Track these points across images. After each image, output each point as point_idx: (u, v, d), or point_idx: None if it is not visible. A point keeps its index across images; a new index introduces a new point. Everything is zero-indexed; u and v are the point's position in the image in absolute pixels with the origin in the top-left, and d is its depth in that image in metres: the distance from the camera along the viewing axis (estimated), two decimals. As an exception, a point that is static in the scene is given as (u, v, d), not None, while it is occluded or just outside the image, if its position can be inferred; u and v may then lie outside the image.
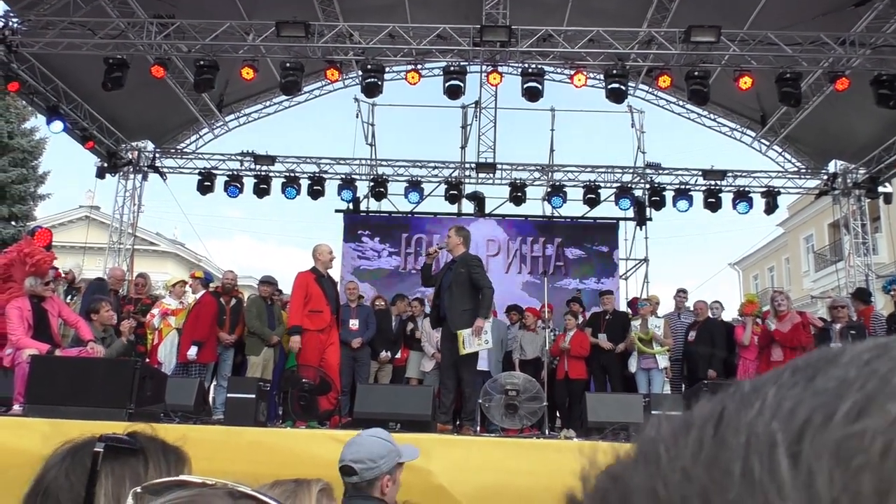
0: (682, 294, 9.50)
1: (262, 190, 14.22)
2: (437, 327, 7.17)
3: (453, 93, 10.78)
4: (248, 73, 10.47)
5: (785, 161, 14.35)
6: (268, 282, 9.10)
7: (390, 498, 2.58)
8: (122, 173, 14.32)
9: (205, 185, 14.19)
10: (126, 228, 14.52)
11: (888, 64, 9.99)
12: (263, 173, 14.30)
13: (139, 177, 14.59)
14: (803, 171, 14.34)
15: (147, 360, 8.14)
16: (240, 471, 3.88)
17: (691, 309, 9.35)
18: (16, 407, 5.18)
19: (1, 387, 5.56)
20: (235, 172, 14.32)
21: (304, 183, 14.31)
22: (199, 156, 14.69)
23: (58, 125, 11.64)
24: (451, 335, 6.54)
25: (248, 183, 14.33)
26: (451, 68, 10.78)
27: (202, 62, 10.21)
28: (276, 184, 14.31)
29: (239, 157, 14.43)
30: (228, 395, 5.61)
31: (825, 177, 14.22)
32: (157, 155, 14.59)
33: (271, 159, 14.28)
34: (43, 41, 10.14)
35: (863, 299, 8.92)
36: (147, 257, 24.59)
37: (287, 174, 14.31)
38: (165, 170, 14.58)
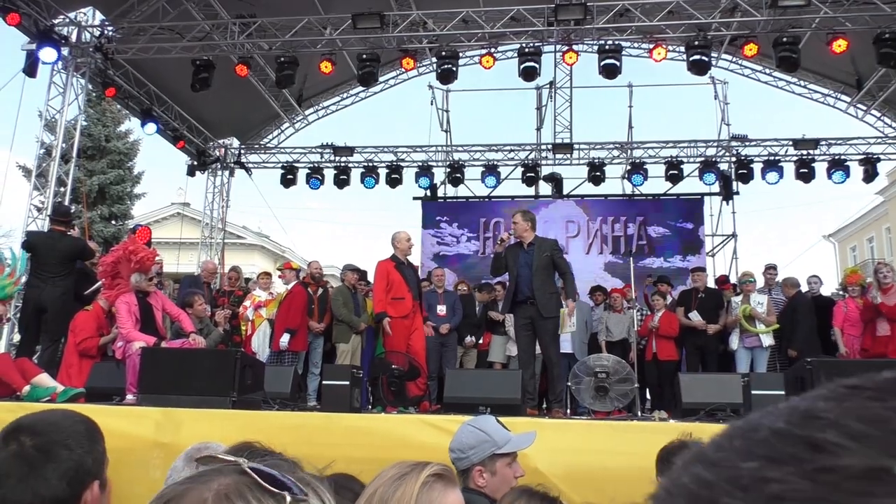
0: (771, 270, 9.12)
1: (342, 181, 14.52)
2: (510, 312, 7.15)
3: (529, 74, 10.69)
4: (326, 66, 10.68)
5: (885, 126, 13.52)
6: (352, 269, 9.30)
7: (491, 489, 2.47)
8: (210, 170, 14.91)
9: (287, 178, 14.60)
10: (216, 223, 15.13)
11: None
12: (343, 164, 14.59)
13: (226, 173, 15.16)
14: (905, 135, 13.48)
15: (242, 349, 8.50)
16: (339, 455, 4.02)
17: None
18: (129, 397, 5.52)
19: (114, 378, 5.93)
20: (316, 165, 14.67)
21: (383, 172, 14.52)
22: (282, 150, 15.13)
23: (151, 127, 12.23)
24: (531, 320, 6.53)
25: (329, 174, 14.67)
26: (526, 50, 10.69)
27: (283, 59, 10.49)
28: (356, 174, 14.59)
29: (319, 150, 14.77)
30: (324, 382, 5.79)
31: (929, 140, 13.33)
32: (243, 151, 15.11)
33: (350, 150, 14.55)
34: (136, 47, 10.65)
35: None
36: (235, 250, 25.57)
37: (366, 164, 14.56)
38: (250, 165, 15.09)
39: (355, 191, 14.70)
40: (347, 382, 5.28)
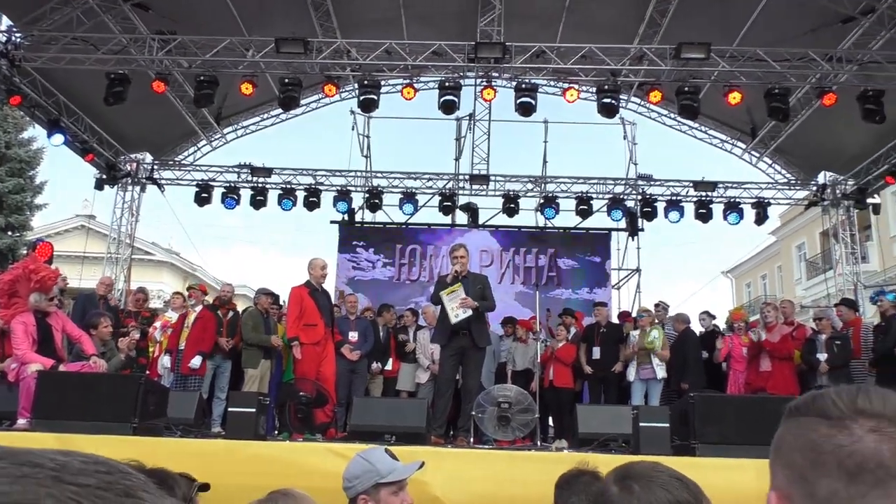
0: (660, 307, 9.63)
1: (258, 201, 14.38)
2: (437, 343, 7.33)
3: (448, 108, 10.96)
4: (247, 88, 10.64)
5: (775, 172, 14.58)
6: (266, 293, 9.23)
7: None
8: (120, 185, 14.46)
9: (202, 196, 14.33)
10: (123, 238, 14.64)
11: (874, 80, 10.21)
12: (260, 185, 14.46)
13: (137, 188, 14.73)
14: (793, 182, 14.57)
15: (148, 372, 8.28)
16: (241, 483, 4.04)
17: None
18: (21, 421, 5.31)
19: (5, 401, 5.69)
20: (232, 184, 14.48)
21: (300, 194, 14.47)
22: (197, 168, 14.85)
23: (58, 138, 11.79)
24: (461, 351, 6.74)
25: (245, 195, 14.50)
26: (446, 84, 10.97)
27: (202, 77, 10.38)
28: (273, 195, 14.48)
29: (236, 170, 14.60)
30: (229, 409, 5.75)
31: (814, 188, 14.45)
32: (156, 167, 14.74)
33: (268, 171, 14.45)
34: (46, 56, 10.29)
35: (851, 307, 9.09)
36: (143, 266, 24.70)
37: (284, 186, 14.48)
38: (163, 181, 14.73)
39: (272, 212, 14.59)
40: (254, 409, 5.28)
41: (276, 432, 7.05)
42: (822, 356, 7.81)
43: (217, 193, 14.44)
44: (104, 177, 13.86)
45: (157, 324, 8.68)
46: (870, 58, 10.26)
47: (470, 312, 6.59)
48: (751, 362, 8.28)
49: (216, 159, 15.15)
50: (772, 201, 14.28)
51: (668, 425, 4.70)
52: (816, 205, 14.69)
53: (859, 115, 10.19)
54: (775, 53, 10.23)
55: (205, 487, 2.43)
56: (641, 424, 4.69)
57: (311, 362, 7.23)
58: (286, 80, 10.55)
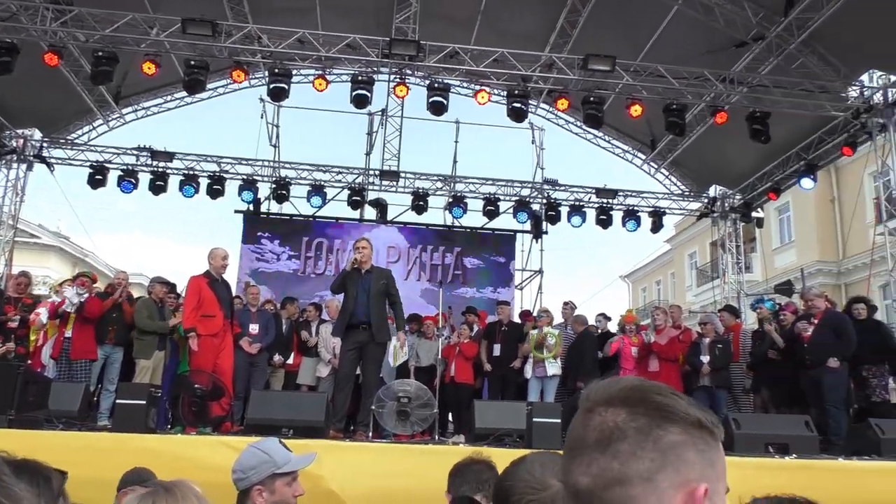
0: (568, 306, 9.99)
1: (158, 187, 13.82)
2: (338, 336, 7.32)
3: (360, 102, 10.90)
4: (149, 68, 10.19)
5: (671, 184, 15.33)
6: (161, 282, 8.89)
7: None
8: (4, 161, 13.55)
9: (96, 178, 13.64)
10: (6, 219, 13.73)
11: (761, 102, 10.93)
12: (161, 170, 13.90)
13: (23, 166, 13.83)
14: (687, 193, 15.37)
15: (30, 361, 7.80)
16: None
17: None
18: None
19: None
20: (130, 167, 13.85)
21: (204, 182, 14.02)
22: (92, 148, 14.11)
23: (-66, 108, 10.91)
24: (360, 345, 6.75)
25: (144, 179, 13.91)
26: (359, 78, 10.90)
27: (101, 53, 9.87)
28: (174, 181, 13.95)
29: (135, 152, 13.96)
30: (117, 401, 5.51)
31: (706, 200, 15.30)
32: (45, 145, 13.89)
33: (169, 156, 13.90)
34: (-78, 19, 9.51)
35: (732, 313, 9.68)
36: (28, 250, 23.22)
37: (186, 172, 13.98)
38: (54, 161, 13.89)
39: (173, 198, 14.05)
40: (144, 401, 5.09)
41: (170, 426, 6.83)
42: (705, 359, 8.29)
43: (113, 176, 13.77)
44: (-14, 152, 12.95)
45: (42, 310, 8.18)
46: (758, 81, 10.98)
47: (405, 350, 6.75)
48: (640, 363, 8.69)
49: (113, 140, 14.39)
50: (667, 211, 15.00)
51: (559, 421, 4.89)
52: (707, 216, 15.56)
53: (748, 135, 10.88)
54: (675, 71, 10.77)
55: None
56: (535, 420, 4.86)
57: (208, 354, 7.05)
58: (192, 63, 10.20)
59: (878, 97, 11.13)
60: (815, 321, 7.77)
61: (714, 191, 15.21)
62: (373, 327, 6.75)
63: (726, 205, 15.04)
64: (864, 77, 11.28)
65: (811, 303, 7.96)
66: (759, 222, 15.15)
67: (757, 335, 8.92)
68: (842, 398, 7.63)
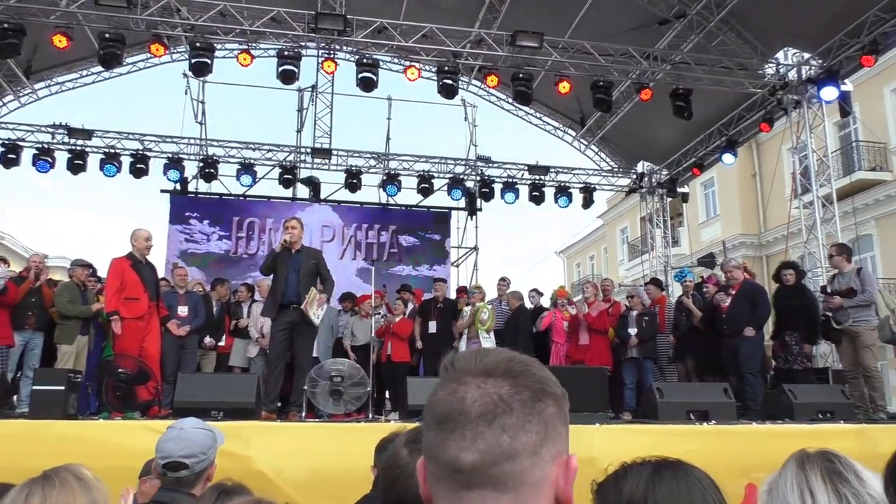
0: (503, 282, 10.12)
1: (76, 166, 13.25)
2: (268, 316, 7.22)
3: (287, 78, 10.66)
4: (60, 40, 9.70)
5: (601, 160, 15.62)
6: (82, 265, 8.56)
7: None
8: None
9: (9, 157, 12.97)
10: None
11: (684, 79, 11.22)
12: (79, 148, 13.32)
13: (-72, 145, 13.03)
14: (616, 169, 15.69)
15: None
16: (47, 465, 3.77)
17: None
18: None
19: None
20: (46, 146, 13.21)
21: (126, 160, 13.51)
22: (3, 125, 13.37)
23: None
24: (290, 325, 6.68)
25: (62, 157, 13.30)
26: (286, 53, 10.66)
27: (6, 25, 9.32)
28: (94, 160, 13.40)
29: (51, 130, 13.32)
30: (34, 387, 5.30)
31: (634, 176, 15.66)
32: (-49, 122, 13.11)
33: (88, 133, 13.32)
34: None
35: (658, 286, 10.00)
36: (-63, 234, 21.96)
37: (106, 150, 13.43)
38: (-39, 139, 13.13)
39: (95, 178, 13.49)
40: (63, 387, 4.92)
41: (96, 412, 6.63)
42: (633, 331, 8.55)
43: (27, 155, 13.12)
44: None
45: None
46: (681, 59, 11.25)
47: (326, 306, 6.61)
48: (570, 336, 8.90)
49: (26, 117, 13.67)
50: (597, 187, 15.29)
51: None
52: (635, 192, 15.95)
53: (671, 111, 11.16)
54: (601, 48, 10.93)
55: None
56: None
57: (133, 338, 6.85)
58: (106, 35, 9.76)
59: (792, 74, 11.58)
60: (733, 292, 8.07)
61: (642, 167, 15.57)
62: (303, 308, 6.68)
63: (653, 180, 15.44)
64: (780, 55, 11.70)
65: (730, 274, 8.27)
66: (685, 197, 15.62)
67: (681, 307, 9.23)
68: (758, 365, 7.95)
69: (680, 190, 15.23)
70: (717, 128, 13.20)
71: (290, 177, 14.13)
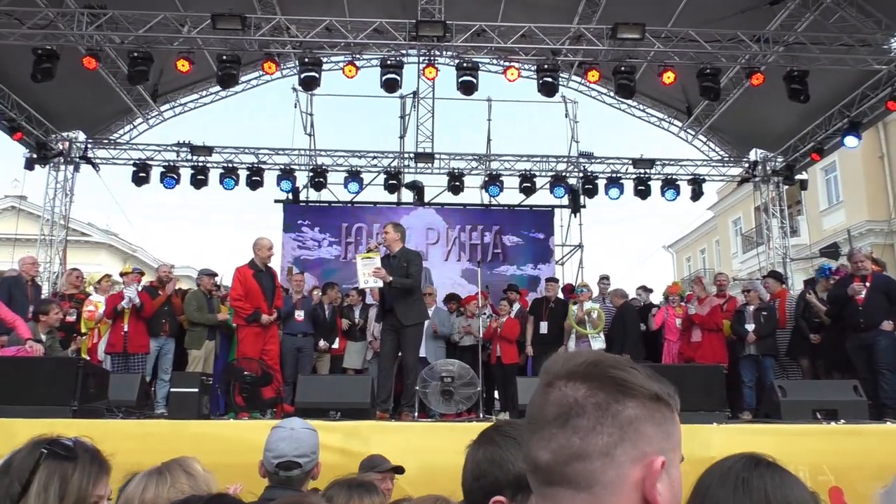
0: (604, 281, 9.93)
1: (199, 181, 14.14)
2: (380, 321, 7.44)
3: (390, 86, 10.95)
4: (183, 65, 10.41)
5: (709, 150, 15.04)
6: (208, 274, 9.15)
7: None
8: (52, 164, 14.00)
9: (140, 175, 14.02)
10: (57, 219, 14.22)
11: (799, 61, 10.62)
12: (201, 164, 14.21)
13: (70, 168, 14.28)
14: (726, 159, 15.06)
15: (87, 356, 8.15)
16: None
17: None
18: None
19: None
20: (171, 163, 14.19)
21: (243, 173, 14.29)
22: (134, 146, 14.48)
23: (-16, 117, 11.33)
24: (394, 328, 6.86)
25: (185, 174, 14.24)
26: (388, 62, 10.94)
27: (136, 54, 10.11)
28: (214, 174, 14.26)
29: (175, 149, 14.29)
30: (171, 389, 5.74)
31: (746, 165, 14.97)
32: (90, 146, 14.31)
33: (208, 150, 14.19)
34: (-33, 31, 9.85)
35: (777, 279, 9.52)
36: (80, 248, 23.99)
37: (225, 165, 14.26)
38: (98, 161, 14.32)
39: (214, 191, 14.36)
40: (196, 389, 5.29)
41: (224, 413, 7.07)
42: (750, 326, 8.20)
43: (156, 173, 14.14)
44: (34, 156, 13.39)
45: (96, 301, 8.50)
46: (795, 39, 10.66)
47: (380, 283, 6.71)
48: (683, 333, 8.63)
49: (154, 138, 14.76)
50: (707, 178, 14.74)
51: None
52: (748, 181, 15.23)
53: (786, 95, 10.60)
54: (707, 34, 10.53)
55: None
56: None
57: (255, 342, 7.26)
58: (224, 57, 10.37)
59: (923, 47, 10.72)
60: (868, 284, 7.57)
61: (755, 154, 14.85)
62: (397, 311, 6.80)
63: (768, 168, 14.70)
64: (909, 26, 10.86)
65: (860, 264, 7.77)
66: (804, 184, 14.78)
67: (802, 298, 8.74)
68: (894, 361, 7.46)
69: (798, 177, 14.42)
70: (837, 109, 12.40)
71: (394, 182, 14.48)
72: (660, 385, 0.86)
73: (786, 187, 14.86)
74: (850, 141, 12.19)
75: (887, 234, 19.84)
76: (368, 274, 6.68)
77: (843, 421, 5.39)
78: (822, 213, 22.19)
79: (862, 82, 11.75)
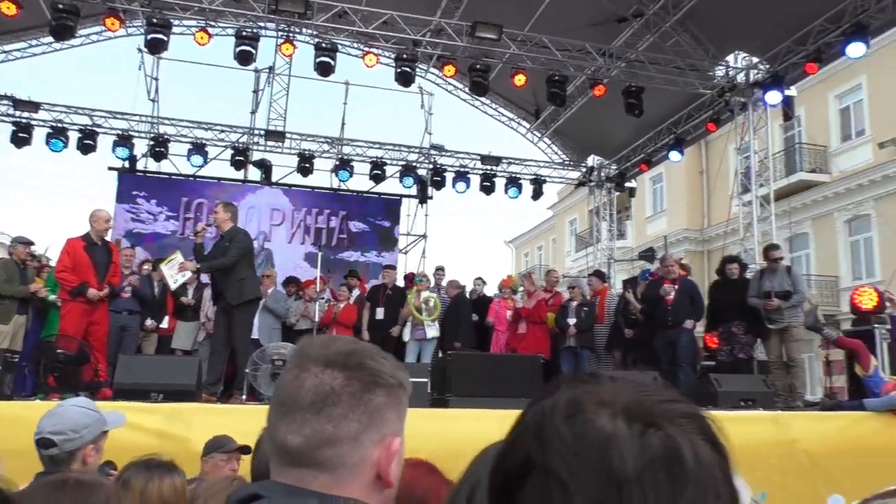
0: (440, 272, 10.20)
1: (21, 139, 12.90)
2: (216, 303, 7.25)
3: (244, 58, 10.58)
4: (9, 8, 9.43)
5: (552, 153, 15.87)
6: (23, 242, 8.39)
7: (93, 466, 2.55)
8: None
9: (-52, 126, 12.56)
10: None
11: (637, 77, 11.48)
12: (24, 121, 12.96)
13: None
14: (567, 162, 15.97)
15: None
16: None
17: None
18: None
19: None
20: (-11, 116, 12.83)
21: (74, 135, 13.20)
22: (-57, 94, 12.93)
23: None
24: (225, 309, 6.70)
25: (5, 129, 12.95)
26: (244, 33, 10.56)
27: (-51, -9, 9.04)
28: (40, 133, 13.07)
29: (-6, 101, 12.93)
30: (-32, 366, 5.25)
31: (584, 169, 15.96)
32: None
33: (35, 105, 12.96)
34: None
35: (600, 278, 10.28)
36: None
37: (54, 124, 13.10)
38: None
39: (39, 151, 13.15)
40: (-1, 367, 4.88)
41: (34, 393, 6.55)
42: (572, 321, 8.81)
43: (-32, 125, 12.74)
44: None
45: None
46: (636, 57, 11.51)
47: (189, 275, 6.76)
48: (511, 325, 9.12)
49: (-32, 86, 13.23)
50: (548, 179, 15.54)
51: (427, 380, 5.11)
52: (584, 185, 16.25)
53: (623, 108, 11.42)
54: (558, 43, 11.11)
55: None
56: (403, 380, 5.04)
57: (79, 320, 6.78)
58: (60, 6, 9.51)
59: (740, 77, 11.95)
60: (676, 287, 8.38)
61: (592, 160, 15.88)
62: (224, 291, 6.72)
63: (602, 174, 15.76)
64: (730, 58, 12.06)
65: (670, 268, 8.59)
66: (632, 192, 16.00)
67: (622, 298, 9.50)
68: (692, 356, 8.37)
69: (628, 184, 15.57)
70: (666, 126, 13.54)
71: (241, 158, 14.01)
72: (402, 374, 0.93)
73: (617, 193, 16.00)
74: (674, 155, 13.37)
75: (701, 241, 21.96)
76: (175, 273, 6.64)
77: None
78: (648, 220, 24.14)
79: (689, 103, 12.90)
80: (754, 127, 12.02)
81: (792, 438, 5.80)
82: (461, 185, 14.56)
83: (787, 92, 11.38)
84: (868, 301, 8.99)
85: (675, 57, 11.57)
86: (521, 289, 9.83)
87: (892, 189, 17.01)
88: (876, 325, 8.25)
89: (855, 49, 9.76)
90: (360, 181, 14.65)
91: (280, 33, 11.39)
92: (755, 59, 11.82)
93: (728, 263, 8.86)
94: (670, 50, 11.61)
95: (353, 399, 0.88)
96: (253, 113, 14.60)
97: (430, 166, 14.86)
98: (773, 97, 11.25)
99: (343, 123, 15.01)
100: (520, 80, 11.22)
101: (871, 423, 6.22)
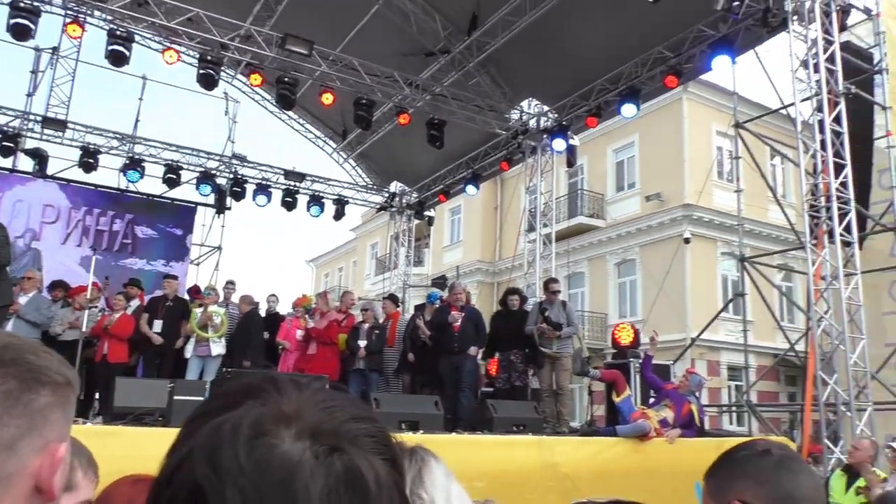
0: (230, 286, 9.79)
1: None
2: None
3: (20, 33, 9.48)
4: None
5: (357, 175, 15.99)
6: None
7: None
8: None
9: None
10: None
11: (440, 111, 11.98)
12: None
13: None
14: (370, 186, 16.16)
15: None
16: None
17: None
18: None
19: None
20: None
21: None
22: None
23: None
24: None
25: None
26: (21, 4, 9.46)
27: None
28: None
29: None
30: None
31: (387, 195, 16.26)
32: None
33: None
34: None
35: (394, 302, 10.46)
36: None
37: None
38: None
39: None
40: None
41: None
42: (363, 343, 8.86)
43: None
44: None
45: None
46: (440, 91, 12.01)
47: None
48: (301, 345, 8.97)
49: None
50: (350, 200, 15.62)
51: (202, 398, 4.85)
52: (386, 210, 16.55)
53: (426, 139, 11.83)
54: (368, 67, 11.28)
55: None
56: (175, 398, 4.76)
57: None
58: None
59: (532, 122, 12.93)
60: (462, 314, 8.75)
61: (395, 186, 16.23)
62: None
63: (404, 201, 16.16)
64: (525, 103, 13.01)
65: (458, 296, 8.98)
66: (430, 220, 16.57)
67: (411, 322, 9.73)
68: (475, 382, 8.77)
69: (427, 213, 16.10)
70: (465, 160, 14.23)
71: (11, 145, 12.49)
72: (70, 371, 0.80)
73: (416, 221, 16.47)
74: (471, 189, 14.09)
75: (492, 273, 23.23)
76: None
77: (422, 431, 6.11)
78: (445, 249, 25.10)
79: (487, 141, 13.69)
80: (542, 170, 13.03)
81: (554, 462, 6.27)
82: (262, 199, 14.14)
83: (571, 141, 12.50)
84: (626, 337, 10.07)
85: (475, 96, 12.26)
86: (313, 307, 9.70)
87: (655, 237, 19.25)
88: (631, 359, 9.26)
89: (628, 109, 10.97)
90: (151, 184, 13.71)
91: (68, 11, 10.36)
92: (546, 108, 12.85)
93: (510, 295, 9.39)
94: (472, 89, 12.29)
95: (10, 399, 0.72)
96: (29, 95, 13.17)
97: (231, 176, 14.28)
98: (559, 144, 12.29)
99: (137, 120, 14.04)
100: (327, 98, 11.22)
101: (621, 448, 6.93)
